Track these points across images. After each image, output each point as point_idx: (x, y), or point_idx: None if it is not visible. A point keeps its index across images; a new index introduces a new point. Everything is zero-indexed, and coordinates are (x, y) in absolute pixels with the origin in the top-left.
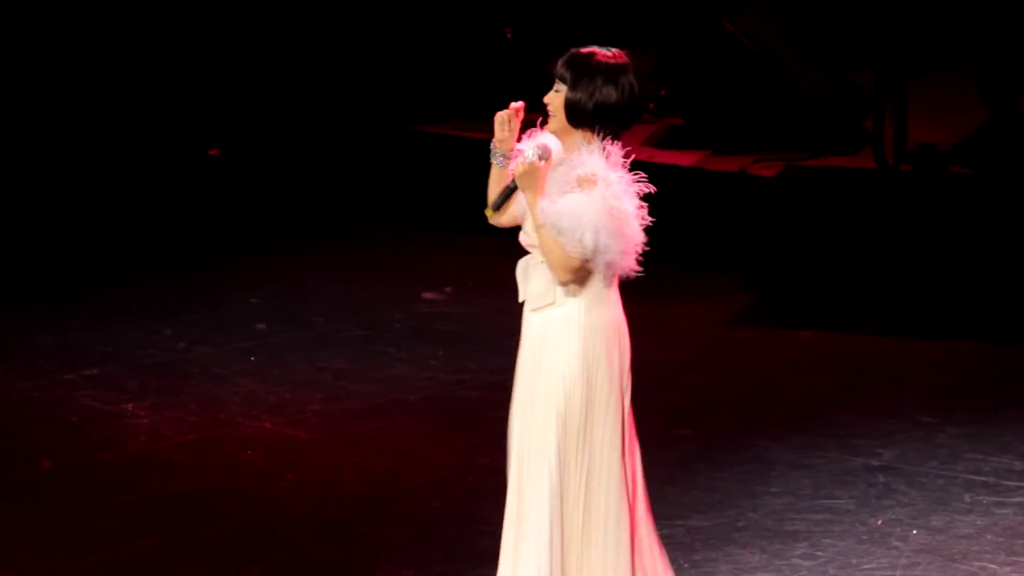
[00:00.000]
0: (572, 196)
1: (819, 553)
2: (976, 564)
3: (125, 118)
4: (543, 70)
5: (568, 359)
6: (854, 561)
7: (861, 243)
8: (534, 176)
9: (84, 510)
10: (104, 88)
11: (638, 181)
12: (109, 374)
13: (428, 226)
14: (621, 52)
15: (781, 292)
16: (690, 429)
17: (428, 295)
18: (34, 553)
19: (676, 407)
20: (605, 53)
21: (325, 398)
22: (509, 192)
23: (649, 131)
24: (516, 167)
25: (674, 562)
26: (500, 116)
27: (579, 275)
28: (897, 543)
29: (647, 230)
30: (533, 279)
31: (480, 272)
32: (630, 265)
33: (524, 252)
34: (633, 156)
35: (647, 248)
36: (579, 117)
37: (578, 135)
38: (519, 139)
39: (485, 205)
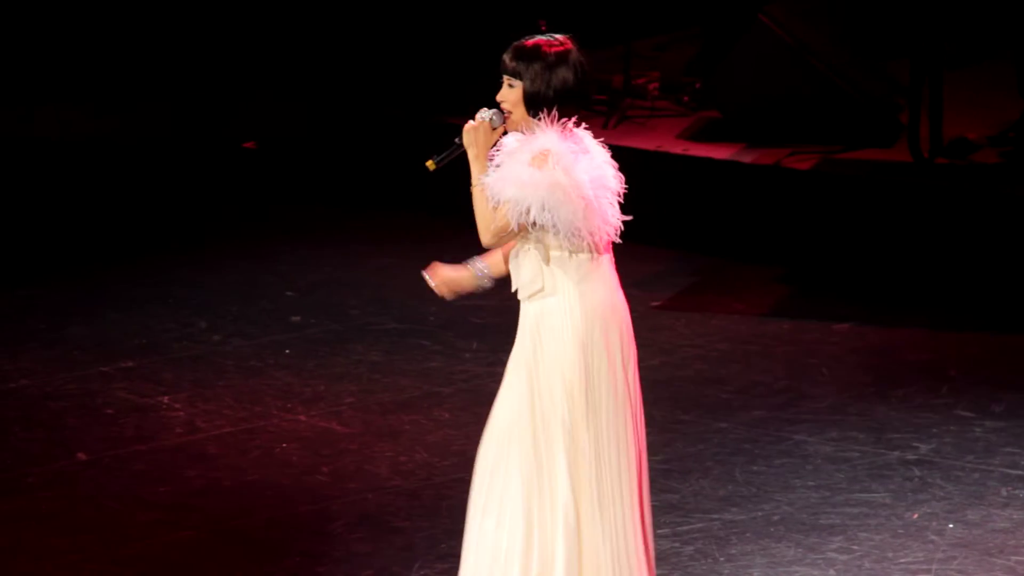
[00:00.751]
0: (521, 168)
1: (855, 547)
2: (1013, 559)
3: (163, 110)
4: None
5: (566, 350)
6: (890, 555)
7: (897, 236)
8: (478, 135)
9: (120, 502)
10: (142, 80)
11: (603, 159)
12: (145, 367)
13: (463, 219)
14: (566, 37)
15: (817, 285)
16: (726, 423)
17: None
18: (70, 545)
19: (712, 400)
20: (551, 41)
21: (360, 391)
22: (455, 150)
23: (684, 124)
24: (468, 124)
25: (709, 556)
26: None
27: (502, 240)
28: (933, 537)
29: (690, 219)
30: (523, 267)
31: None
32: (600, 233)
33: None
34: (603, 139)
35: (622, 224)
36: (540, 106)
37: (535, 122)
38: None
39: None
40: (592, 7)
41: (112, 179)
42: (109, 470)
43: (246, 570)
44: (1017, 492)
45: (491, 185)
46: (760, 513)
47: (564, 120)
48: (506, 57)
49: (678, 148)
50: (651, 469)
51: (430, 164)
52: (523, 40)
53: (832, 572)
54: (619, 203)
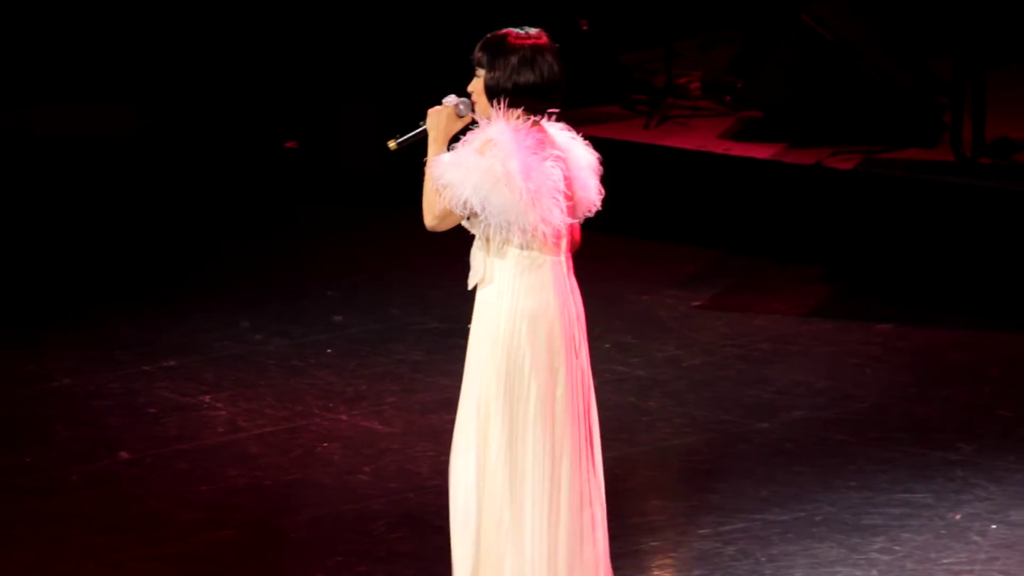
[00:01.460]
0: (466, 155)
1: (897, 547)
2: None
3: (203, 112)
4: (618, 62)
5: (491, 340)
6: (932, 556)
7: (939, 236)
8: (440, 118)
9: (162, 501)
10: (184, 82)
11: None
12: (186, 366)
13: None
14: (540, 32)
15: (859, 285)
16: (768, 423)
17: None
18: (113, 543)
19: (754, 400)
20: (519, 34)
21: (401, 390)
22: (417, 132)
23: (726, 124)
24: (433, 108)
25: (751, 556)
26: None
27: (444, 223)
28: (976, 538)
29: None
30: (474, 256)
31: None
32: (536, 230)
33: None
34: (584, 133)
35: (591, 215)
36: (498, 97)
37: (493, 112)
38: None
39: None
40: (634, 7)
41: (151, 178)
42: (151, 469)
43: (287, 569)
44: None
45: (435, 167)
46: (802, 513)
47: (520, 113)
48: (477, 47)
49: (720, 148)
50: (692, 469)
51: (391, 144)
52: (495, 32)
53: (875, 572)
54: (566, 205)
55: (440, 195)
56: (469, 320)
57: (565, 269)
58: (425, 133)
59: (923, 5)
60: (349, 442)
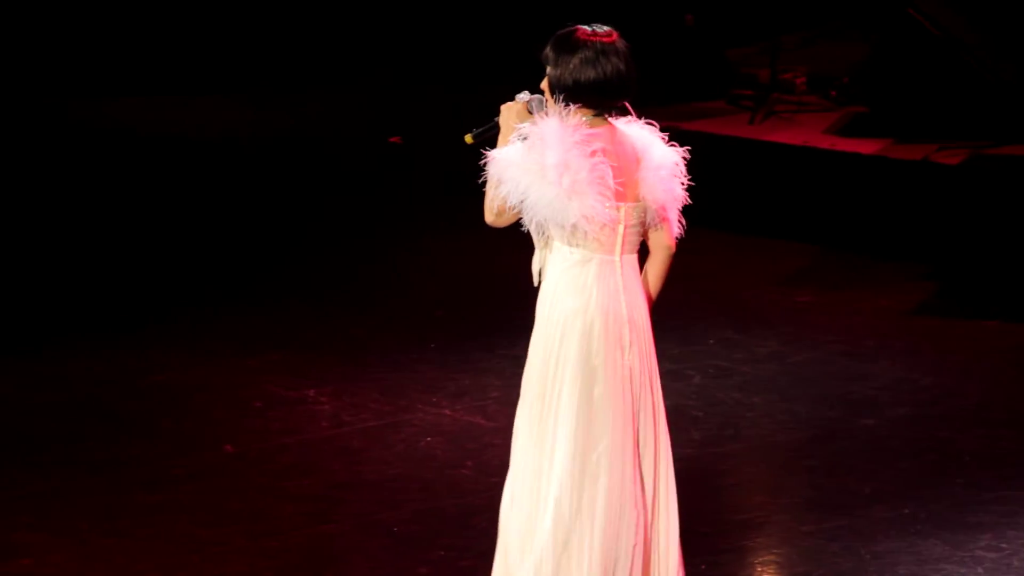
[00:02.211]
0: (514, 150)
1: (1003, 545)
2: None
3: (307, 107)
4: (725, 57)
5: (533, 341)
6: None
7: None
8: (510, 114)
9: (266, 494)
10: (290, 80)
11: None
12: (291, 360)
13: None
14: (610, 31)
15: (965, 281)
16: (873, 419)
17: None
18: (217, 536)
19: (859, 397)
20: (586, 31)
21: (504, 385)
22: (491, 127)
23: (831, 119)
24: (505, 104)
25: (855, 552)
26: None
27: (501, 220)
28: None
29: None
30: (536, 253)
31: None
32: (573, 224)
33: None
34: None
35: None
36: (559, 94)
37: (555, 108)
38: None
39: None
40: (740, 2)
41: (261, 175)
42: (255, 463)
43: (390, 563)
44: None
45: (490, 163)
46: (907, 510)
47: (577, 109)
48: (547, 44)
49: (825, 143)
50: (796, 465)
51: (468, 137)
52: (565, 28)
53: (980, 570)
54: (606, 203)
55: (496, 191)
56: None
57: (619, 268)
58: (498, 127)
59: None
60: (452, 437)
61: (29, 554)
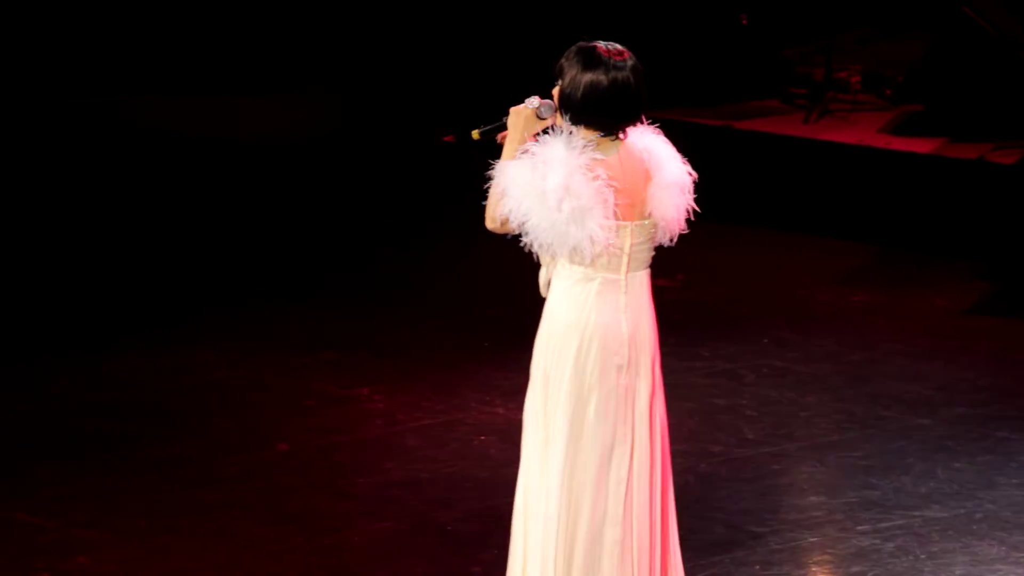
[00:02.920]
0: (521, 167)
1: None
2: None
3: (364, 108)
4: (780, 56)
5: (534, 356)
6: None
7: None
8: (518, 119)
9: (320, 493)
10: (346, 79)
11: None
12: (345, 359)
13: None
14: (624, 51)
15: (1021, 281)
16: (928, 419)
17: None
18: (270, 534)
19: (915, 397)
20: (603, 49)
21: None
22: (499, 126)
23: (887, 118)
24: (516, 107)
25: (910, 553)
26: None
27: (503, 229)
28: None
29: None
30: (542, 266)
31: (712, 260)
32: (573, 249)
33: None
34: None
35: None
36: (569, 110)
37: (563, 122)
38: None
39: (729, 195)
40: (796, 1)
41: (316, 176)
42: (309, 461)
43: (443, 562)
44: None
45: (498, 173)
46: (962, 511)
47: (583, 129)
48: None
49: (880, 142)
50: (851, 465)
51: (475, 133)
52: (582, 44)
53: None
54: (607, 225)
55: (500, 201)
56: None
57: (623, 287)
58: (505, 127)
59: None
60: (506, 436)
61: (87, 552)
